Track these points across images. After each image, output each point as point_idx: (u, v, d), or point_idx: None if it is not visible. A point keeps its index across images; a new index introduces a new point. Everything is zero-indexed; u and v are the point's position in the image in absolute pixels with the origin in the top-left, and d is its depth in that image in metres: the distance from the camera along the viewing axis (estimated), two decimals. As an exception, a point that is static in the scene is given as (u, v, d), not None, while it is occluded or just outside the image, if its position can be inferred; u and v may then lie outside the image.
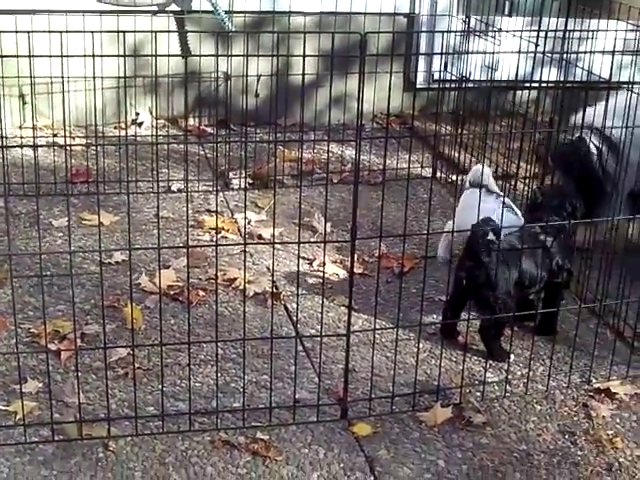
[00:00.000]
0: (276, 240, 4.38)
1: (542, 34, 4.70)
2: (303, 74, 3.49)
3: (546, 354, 3.75)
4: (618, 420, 3.43)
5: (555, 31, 4.74)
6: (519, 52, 4.33)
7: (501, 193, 4.31)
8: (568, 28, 4.81)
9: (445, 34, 5.67)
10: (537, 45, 4.66)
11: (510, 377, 3.60)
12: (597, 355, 3.72)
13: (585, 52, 4.14)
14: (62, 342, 3.61)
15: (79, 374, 3.27)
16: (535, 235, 3.77)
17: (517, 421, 3.38)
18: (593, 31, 4.65)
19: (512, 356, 3.73)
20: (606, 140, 4.33)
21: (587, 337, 3.87)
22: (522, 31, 4.77)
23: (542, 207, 3.90)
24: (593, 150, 4.38)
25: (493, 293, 3.62)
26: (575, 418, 3.43)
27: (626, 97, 3.80)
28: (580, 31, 4.42)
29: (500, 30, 4.83)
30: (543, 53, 4.56)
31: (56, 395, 3.26)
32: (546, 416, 3.43)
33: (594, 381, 3.63)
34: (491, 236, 3.56)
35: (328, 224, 4.60)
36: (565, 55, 4.72)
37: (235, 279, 4.18)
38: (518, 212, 4.20)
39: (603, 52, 3.72)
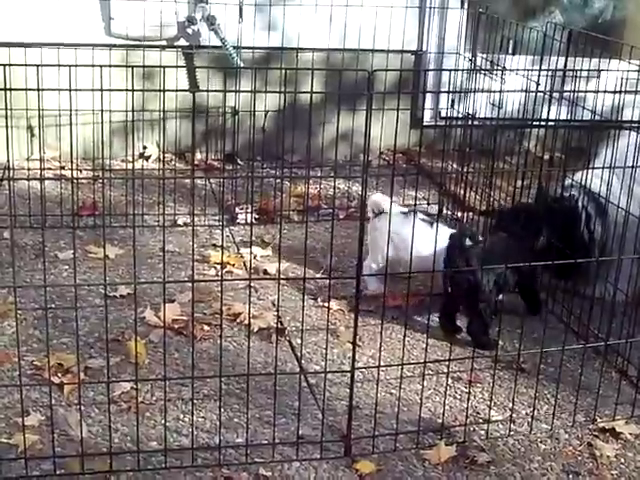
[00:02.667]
0: (282, 275, 4.38)
1: (543, 73, 4.72)
2: (310, 110, 3.50)
3: (551, 393, 3.73)
4: (623, 460, 3.41)
5: (555, 70, 4.77)
6: (527, 91, 4.35)
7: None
8: (569, 67, 4.84)
9: (452, 72, 5.69)
10: (538, 84, 4.69)
11: (514, 416, 3.58)
12: (602, 394, 3.70)
13: (587, 91, 4.16)
14: (65, 375, 3.60)
15: (82, 408, 3.26)
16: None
17: (521, 460, 3.36)
18: (592, 70, 4.67)
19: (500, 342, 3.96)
20: (597, 204, 4.34)
21: (592, 376, 3.87)
22: (525, 70, 4.79)
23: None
24: (582, 213, 4.39)
25: (478, 294, 3.95)
26: (579, 458, 3.41)
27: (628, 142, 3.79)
28: (580, 70, 4.44)
29: (504, 69, 4.86)
30: (547, 92, 4.58)
31: (58, 428, 3.25)
32: (550, 455, 3.40)
33: (599, 420, 3.61)
34: (468, 242, 4.00)
35: (334, 260, 4.60)
36: (569, 94, 4.73)
37: (240, 314, 4.18)
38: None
39: (605, 91, 3.74)
